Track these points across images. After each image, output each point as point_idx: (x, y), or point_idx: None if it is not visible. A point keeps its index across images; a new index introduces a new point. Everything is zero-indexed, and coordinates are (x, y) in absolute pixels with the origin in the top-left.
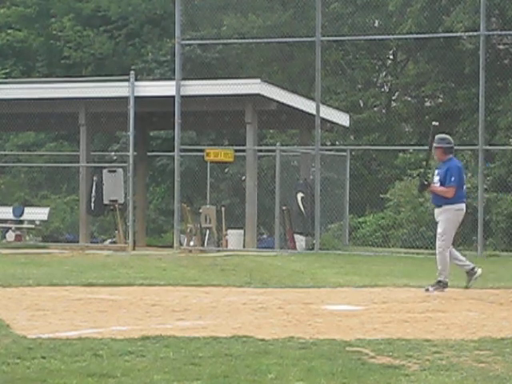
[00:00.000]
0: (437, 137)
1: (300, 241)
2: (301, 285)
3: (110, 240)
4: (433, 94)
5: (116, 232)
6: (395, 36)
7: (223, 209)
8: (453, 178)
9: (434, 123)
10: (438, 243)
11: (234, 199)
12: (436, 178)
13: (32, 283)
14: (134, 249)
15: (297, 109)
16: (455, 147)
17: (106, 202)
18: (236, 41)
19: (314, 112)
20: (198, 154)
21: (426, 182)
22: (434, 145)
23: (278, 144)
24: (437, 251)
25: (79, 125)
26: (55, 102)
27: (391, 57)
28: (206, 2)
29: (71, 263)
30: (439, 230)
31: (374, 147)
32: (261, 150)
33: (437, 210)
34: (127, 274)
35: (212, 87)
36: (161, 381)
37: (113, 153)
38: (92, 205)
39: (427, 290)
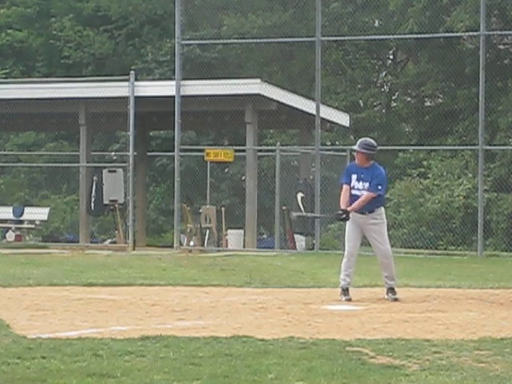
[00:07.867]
0: (360, 141)
1: (300, 241)
2: (301, 285)
3: (109, 240)
4: (433, 93)
5: (116, 232)
6: (395, 36)
7: (223, 209)
8: (380, 187)
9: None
10: (386, 248)
11: (233, 199)
12: (364, 184)
13: (32, 283)
14: (133, 249)
15: (297, 109)
16: (455, 147)
17: (106, 201)
18: (236, 41)
19: (314, 112)
20: (198, 153)
21: (342, 212)
22: (357, 149)
23: (278, 144)
24: (388, 257)
25: (79, 125)
26: (55, 102)
27: (391, 57)
28: (206, 2)
29: (71, 263)
30: (380, 238)
31: None
32: (261, 150)
33: (369, 215)
34: (127, 274)
35: (212, 87)
36: (161, 381)
37: (113, 153)
38: (92, 205)
39: (395, 299)
